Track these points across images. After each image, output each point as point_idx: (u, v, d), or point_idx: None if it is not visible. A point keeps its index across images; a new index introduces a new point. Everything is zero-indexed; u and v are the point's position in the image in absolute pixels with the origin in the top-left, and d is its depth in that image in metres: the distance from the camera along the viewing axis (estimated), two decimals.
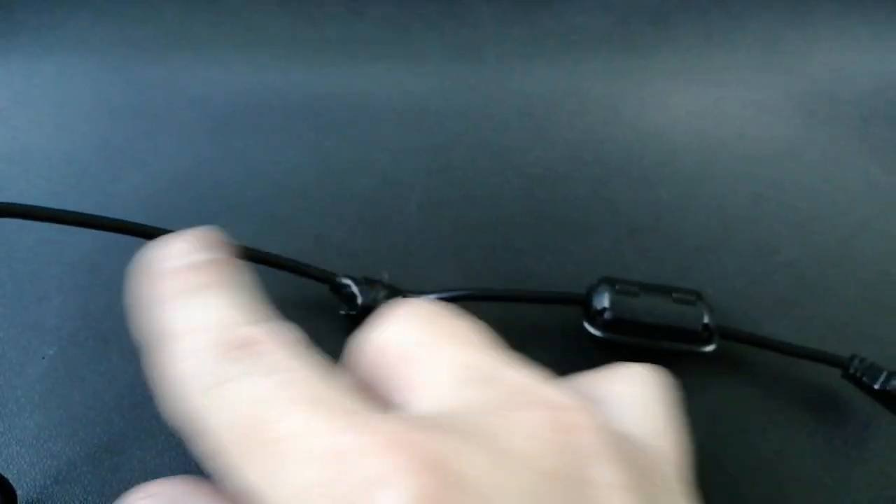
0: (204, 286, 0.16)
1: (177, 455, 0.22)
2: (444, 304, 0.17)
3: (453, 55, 0.31)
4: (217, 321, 0.15)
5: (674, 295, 0.24)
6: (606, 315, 0.23)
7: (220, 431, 0.13)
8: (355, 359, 0.17)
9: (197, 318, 0.15)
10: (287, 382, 0.13)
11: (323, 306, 0.25)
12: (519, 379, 0.14)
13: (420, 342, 0.15)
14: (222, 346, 0.14)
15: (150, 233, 0.23)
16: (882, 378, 0.23)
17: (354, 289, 0.24)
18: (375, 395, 0.15)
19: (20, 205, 0.22)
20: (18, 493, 0.21)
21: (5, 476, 0.20)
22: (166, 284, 0.16)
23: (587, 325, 0.24)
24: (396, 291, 0.25)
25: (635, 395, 0.17)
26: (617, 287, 0.24)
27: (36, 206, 0.23)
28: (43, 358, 0.24)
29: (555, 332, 0.25)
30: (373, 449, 0.12)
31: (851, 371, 0.24)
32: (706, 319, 0.23)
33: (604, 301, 0.23)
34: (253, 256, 0.24)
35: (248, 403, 0.13)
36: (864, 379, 0.23)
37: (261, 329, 0.14)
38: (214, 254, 0.17)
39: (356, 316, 0.24)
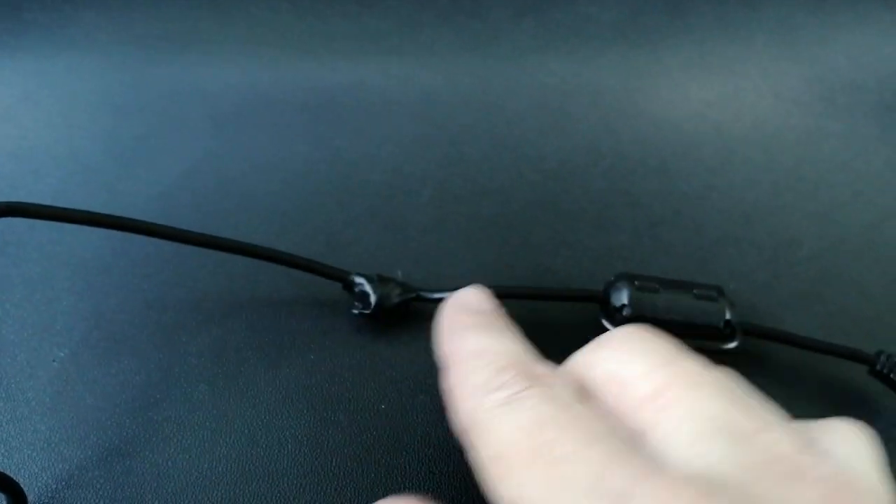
0: (499, 325, 0.19)
1: (190, 458, 0.22)
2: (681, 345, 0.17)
3: (466, 47, 0.31)
4: (512, 350, 0.17)
5: (694, 291, 0.23)
6: (625, 312, 0.23)
7: (505, 442, 0.15)
8: (587, 375, 0.17)
9: (495, 345, 0.18)
10: (575, 416, 0.15)
11: (336, 304, 0.25)
12: (774, 440, 0.14)
13: (668, 384, 0.15)
14: (516, 370, 0.16)
15: (162, 232, 0.23)
16: None
17: (367, 287, 0.24)
18: (616, 423, 0.16)
19: (29, 204, 0.22)
20: (29, 496, 0.20)
21: (16, 480, 0.20)
22: (467, 319, 0.20)
23: (605, 323, 0.23)
24: (410, 290, 0.24)
25: (861, 459, 0.16)
26: (636, 283, 0.23)
27: (45, 205, 0.22)
28: (54, 361, 0.23)
29: (573, 329, 0.25)
30: (661, 500, 0.13)
31: (878, 367, 0.23)
32: (728, 316, 0.23)
33: (622, 298, 0.23)
34: (266, 255, 0.24)
35: (538, 423, 0.15)
36: (892, 375, 0.23)
37: (548, 367, 0.17)
38: (499, 309, 0.20)
39: (369, 314, 0.24)
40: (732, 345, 0.23)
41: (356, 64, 0.30)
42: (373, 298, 0.24)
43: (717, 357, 0.24)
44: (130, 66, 0.29)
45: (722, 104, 0.30)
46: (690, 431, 0.14)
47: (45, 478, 0.21)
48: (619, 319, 0.23)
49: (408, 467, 0.21)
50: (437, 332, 0.20)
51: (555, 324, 0.25)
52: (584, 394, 0.16)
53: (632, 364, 0.16)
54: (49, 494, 0.21)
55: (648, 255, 0.27)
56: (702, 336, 0.23)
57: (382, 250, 0.26)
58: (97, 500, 0.21)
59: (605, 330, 0.23)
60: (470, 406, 0.16)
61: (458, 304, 0.21)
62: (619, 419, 0.16)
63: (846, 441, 0.17)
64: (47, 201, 0.26)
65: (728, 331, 0.23)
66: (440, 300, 0.24)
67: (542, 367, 0.17)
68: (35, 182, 0.27)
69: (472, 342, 0.18)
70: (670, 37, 0.32)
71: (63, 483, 0.21)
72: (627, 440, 0.14)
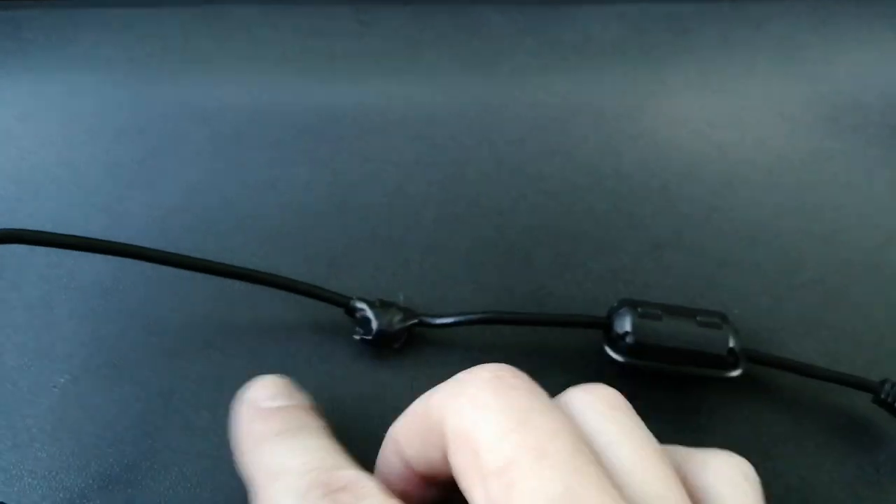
0: (294, 425, 0.19)
1: (191, 486, 0.22)
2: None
3: (467, 67, 0.31)
4: (314, 463, 0.17)
5: (698, 318, 0.23)
6: (628, 339, 0.23)
7: None
8: (437, 421, 0.17)
9: (294, 460, 0.17)
10: None
11: (337, 329, 0.25)
12: None
13: (515, 458, 0.15)
14: (323, 488, 0.16)
15: (161, 258, 0.23)
16: None
17: (369, 313, 0.24)
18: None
19: (29, 230, 0.22)
20: None
21: None
22: (261, 426, 0.19)
23: (608, 350, 0.23)
24: (412, 315, 0.24)
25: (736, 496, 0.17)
26: (639, 310, 0.23)
27: (45, 232, 0.22)
28: (54, 387, 0.23)
29: (575, 355, 0.25)
30: None
31: (882, 396, 0.23)
32: (732, 343, 0.23)
33: (625, 325, 0.23)
34: (266, 280, 0.24)
35: None
36: None
37: (352, 474, 0.17)
38: (297, 399, 0.20)
39: (371, 340, 0.24)
40: (736, 373, 0.23)
41: (356, 84, 0.30)
42: (374, 324, 0.24)
43: (720, 384, 0.24)
44: (130, 87, 0.29)
45: (725, 124, 0.30)
46: None
47: None
48: (621, 347, 0.23)
49: None
50: (233, 441, 0.20)
51: (557, 349, 0.25)
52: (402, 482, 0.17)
53: (485, 424, 0.15)
54: None
55: (651, 278, 0.27)
56: (705, 364, 0.23)
57: (383, 272, 0.26)
58: None
59: (607, 357, 0.23)
60: None
61: (250, 403, 0.20)
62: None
63: (726, 480, 0.17)
64: (46, 223, 0.27)
65: (732, 359, 0.23)
66: (443, 326, 0.24)
67: (349, 473, 0.17)
68: (34, 203, 0.27)
69: (268, 458, 0.18)
70: (673, 56, 0.31)
71: None
72: None
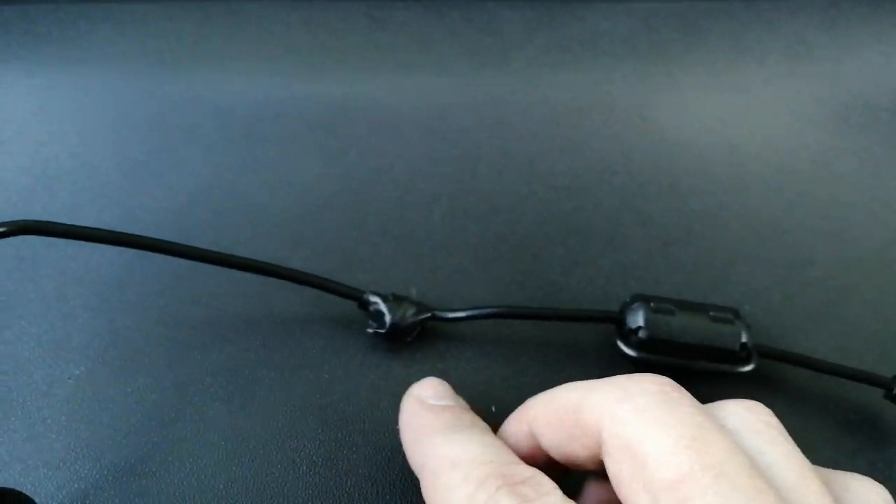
0: (466, 422, 0.19)
1: (205, 478, 0.22)
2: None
3: (478, 63, 0.31)
4: (488, 456, 0.17)
5: (710, 313, 0.23)
6: (641, 334, 0.23)
7: None
8: (594, 425, 0.17)
9: (469, 452, 0.17)
10: None
11: (351, 322, 0.25)
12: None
13: (692, 471, 0.14)
14: (497, 481, 0.16)
15: (176, 250, 0.23)
16: None
17: (382, 307, 0.24)
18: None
19: (45, 222, 0.22)
20: None
21: (33, 499, 0.20)
22: (432, 420, 0.19)
23: (621, 345, 0.23)
24: (425, 309, 0.24)
25: None
26: (652, 305, 0.23)
27: (60, 224, 0.22)
28: (70, 378, 0.24)
29: (587, 350, 0.25)
30: None
31: (894, 391, 0.23)
32: (744, 339, 0.23)
33: (638, 320, 0.23)
34: (280, 273, 0.24)
35: None
36: None
37: (531, 470, 0.17)
38: (461, 403, 0.20)
39: (384, 334, 0.24)
40: (748, 368, 0.23)
41: (368, 80, 0.30)
42: (388, 318, 0.24)
43: (732, 379, 0.24)
44: (144, 82, 0.29)
45: (735, 122, 0.30)
46: None
47: (61, 497, 0.21)
48: (634, 341, 0.23)
49: None
50: (402, 432, 0.20)
51: (569, 344, 0.25)
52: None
53: (653, 436, 0.15)
54: None
55: (661, 274, 0.27)
56: (718, 359, 0.23)
57: (395, 267, 0.26)
58: None
59: (619, 352, 0.23)
60: None
61: (418, 399, 0.20)
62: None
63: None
64: (61, 216, 0.27)
65: (744, 354, 0.23)
66: (455, 320, 0.24)
67: (527, 469, 0.16)
68: (49, 197, 0.27)
69: (444, 449, 0.18)
70: (683, 53, 0.31)
71: (79, 502, 0.21)
72: None
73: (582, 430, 0.17)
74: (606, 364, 0.24)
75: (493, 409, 0.23)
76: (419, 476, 0.18)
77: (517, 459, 0.17)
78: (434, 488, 0.17)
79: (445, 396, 0.20)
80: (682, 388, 0.17)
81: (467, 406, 0.21)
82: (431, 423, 0.19)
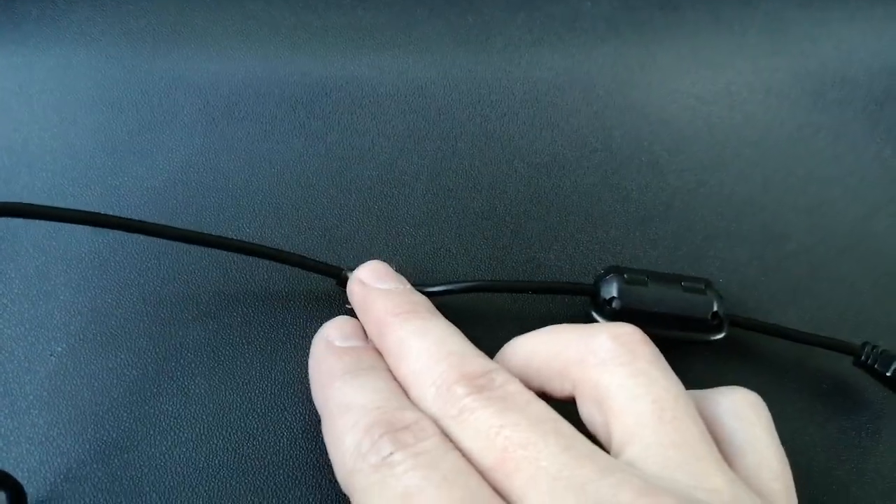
0: (366, 364, 0.20)
1: (187, 451, 0.22)
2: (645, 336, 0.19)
3: (459, 42, 0.31)
4: (378, 401, 0.19)
5: (683, 283, 0.23)
6: (615, 304, 0.23)
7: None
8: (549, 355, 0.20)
9: (361, 397, 0.19)
10: (443, 478, 0.16)
11: (331, 299, 0.25)
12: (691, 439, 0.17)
13: (632, 380, 0.18)
14: (382, 427, 0.17)
15: (156, 231, 0.23)
16: (894, 365, 0.23)
17: None
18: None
19: (25, 204, 0.22)
20: (28, 492, 0.21)
21: (15, 477, 0.20)
22: (333, 362, 0.21)
23: (595, 315, 0.24)
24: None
25: (750, 433, 0.19)
26: (625, 276, 0.23)
27: (41, 206, 0.22)
28: (51, 355, 0.24)
29: (563, 321, 0.25)
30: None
31: (863, 358, 0.23)
32: (716, 308, 0.23)
33: (612, 290, 0.23)
34: (258, 251, 0.24)
35: (408, 496, 0.16)
36: (877, 366, 0.23)
37: (414, 415, 0.18)
38: (368, 341, 0.22)
39: None
40: (719, 336, 0.23)
41: (349, 58, 0.30)
42: None
43: (705, 348, 0.25)
44: (124, 61, 0.29)
45: (713, 99, 0.30)
46: (641, 425, 0.17)
47: (44, 472, 0.22)
48: (608, 312, 0.23)
49: None
50: (309, 373, 0.22)
51: (545, 316, 0.25)
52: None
53: (615, 390, 0.18)
54: (48, 489, 0.21)
55: (639, 250, 0.27)
56: (690, 328, 0.23)
57: (376, 244, 0.27)
58: (96, 495, 0.21)
59: (594, 321, 0.24)
60: (345, 473, 0.18)
61: (325, 341, 0.22)
62: (575, 393, 0.19)
63: (733, 413, 0.20)
64: (41, 196, 0.27)
65: (716, 322, 0.23)
66: (433, 294, 0.25)
67: (411, 414, 0.18)
68: (29, 176, 0.27)
69: (339, 394, 0.19)
70: (663, 31, 0.32)
71: (62, 478, 0.21)
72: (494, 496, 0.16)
73: (557, 377, 0.20)
74: None
75: None
76: (321, 417, 0.20)
77: (406, 404, 0.19)
78: (328, 433, 0.19)
79: (353, 336, 0.22)
80: (641, 339, 0.19)
81: (371, 347, 0.22)
82: (332, 366, 0.20)
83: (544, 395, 0.20)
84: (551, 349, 0.20)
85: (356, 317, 0.24)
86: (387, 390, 0.19)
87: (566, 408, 0.19)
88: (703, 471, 0.16)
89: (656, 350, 0.19)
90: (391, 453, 0.17)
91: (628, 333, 0.19)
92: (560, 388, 0.20)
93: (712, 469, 0.16)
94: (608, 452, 0.18)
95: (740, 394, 0.20)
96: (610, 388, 0.18)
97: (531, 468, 0.16)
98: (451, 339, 0.20)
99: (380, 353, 0.21)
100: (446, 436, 0.18)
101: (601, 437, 0.19)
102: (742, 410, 0.19)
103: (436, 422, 0.18)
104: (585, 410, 0.19)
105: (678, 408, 0.17)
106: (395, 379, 0.20)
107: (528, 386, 0.20)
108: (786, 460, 0.19)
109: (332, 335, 0.22)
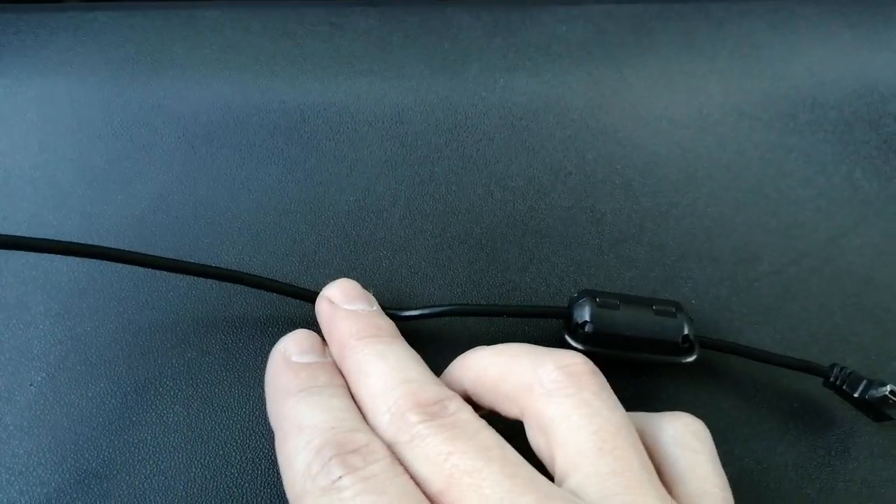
0: (320, 382, 0.20)
1: (166, 479, 0.23)
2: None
3: (435, 68, 0.31)
4: (329, 421, 0.19)
5: (654, 307, 0.24)
6: (587, 328, 0.23)
7: None
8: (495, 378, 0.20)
9: (312, 417, 0.19)
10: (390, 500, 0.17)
11: (309, 325, 0.25)
12: (630, 469, 0.18)
13: (576, 411, 0.18)
14: (332, 450, 0.18)
15: (134, 259, 0.23)
16: (861, 387, 0.23)
17: None
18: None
19: (3, 235, 0.23)
20: None
21: None
22: (288, 379, 0.21)
23: (568, 339, 0.24)
24: (381, 308, 0.25)
25: (692, 460, 0.20)
26: (598, 300, 0.24)
27: (18, 237, 0.22)
28: (31, 385, 0.24)
29: (537, 345, 0.25)
30: None
31: (832, 379, 0.24)
32: (686, 331, 0.23)
33: (585, 315, 0.24)
34: (237, 278, 0.24)
35: None
36: (845, 387, 0.24)
37: (366, 437, 0.18)
38: (327, 356, 0.22)
39: None
40: (691, 359, 0.24)
41: (327, 86, 0.30)
42: None
43: (676, 370, 0.25)
44: (104, 90, 0.30)
45: (686, 122, 0.31)
46: (581, 454, 0.18)
47: (24, 502, 0.22)
48: (581, 336, 0.24)
49: None
50: (265, 388, 0.22)
51: (520, 340, 0.25)
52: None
53: (560, 422, 0.19)
54: None
55: (613, 272, 0.27)
56: (661, 351, 0.24)
57: (354, 269, 0.27)
58: None
59: (568, 346, 0.24)
60: (294, 494, 0.18)
61: (282, 355, 0.22)
62: (520, 413, 0.19)
63: (675, 440, 0.20)
64: (21, 224, 0.27)
65: (686, 345, 0.24)
66: (409, 318, 0.25)
67: (363, 437, 0.18)
68: (9, 205, 0.28)
69: (293, 412, 0.20)
70: (636, 55, 0.32)
71: None
72: None
73: (506, 400, 0.20)
74: None
75: None
76: (275, 433, 0.20)
77: (359, 425, 0.19)
78: (281, 451, 0.19)
79: (310, 351, 0.22)
80: (588, 370, 0.20)
81: (329, 361, 0.22)
82: (287, 383, 0.21)
83: (495, 413, 0.21)
84: (502, 371, 0.20)
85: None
86: (341, 409, 0.19)
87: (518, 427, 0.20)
88: (642, 499, 0.16)
89: (602, 380, 0.20)
90: (340, 477, 0.17)
91: (576, 364, 0.20)
92: (508, 411, 0.20)
93: (651, 497, 0.17)
94: (553, 478, 0.18)
95: (684, 420, 0.20)
96: (554, 418, 0.19)
97: (475, 495, 0.16)
98: (409, 366, 0.20)
99: (338, 369, 0.22)
100: (398, 460, 0.18)
101: (546, 462, 0.19)
102: (685, 438, 0.20)
103: (390, 447, 0.18)
104: (532, 436, 0.20)
105: (618, 438, 0.18)
106: (353, 397, 0.21)
107: (479, 402, 0.21)
108: (728, 488, 0.19)
109: (289, 349, 0.22)
